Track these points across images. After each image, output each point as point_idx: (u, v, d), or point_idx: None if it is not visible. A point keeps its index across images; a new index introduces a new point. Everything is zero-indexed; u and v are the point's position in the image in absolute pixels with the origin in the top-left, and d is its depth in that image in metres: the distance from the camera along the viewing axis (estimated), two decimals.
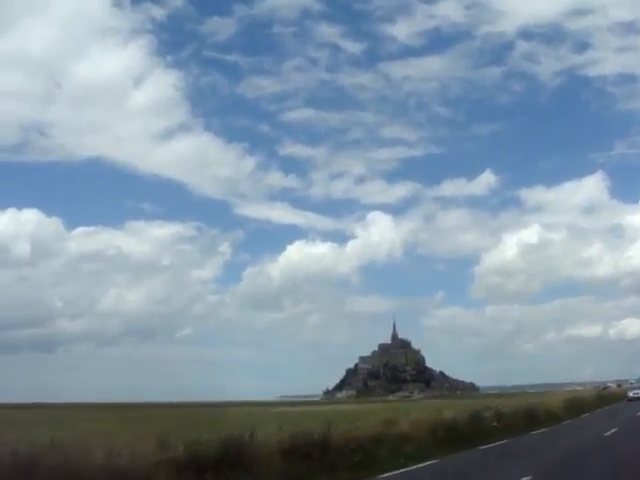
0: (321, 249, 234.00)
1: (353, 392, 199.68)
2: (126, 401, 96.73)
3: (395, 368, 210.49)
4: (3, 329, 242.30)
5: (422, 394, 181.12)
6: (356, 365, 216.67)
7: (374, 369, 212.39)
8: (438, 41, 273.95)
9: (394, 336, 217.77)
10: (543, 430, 24.86)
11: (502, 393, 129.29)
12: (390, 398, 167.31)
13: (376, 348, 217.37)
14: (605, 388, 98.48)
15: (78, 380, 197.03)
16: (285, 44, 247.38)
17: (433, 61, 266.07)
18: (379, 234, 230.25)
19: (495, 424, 20.98)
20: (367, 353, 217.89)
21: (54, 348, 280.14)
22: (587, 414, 34.59)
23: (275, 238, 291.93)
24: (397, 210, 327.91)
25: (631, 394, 54.95)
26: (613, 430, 22.08)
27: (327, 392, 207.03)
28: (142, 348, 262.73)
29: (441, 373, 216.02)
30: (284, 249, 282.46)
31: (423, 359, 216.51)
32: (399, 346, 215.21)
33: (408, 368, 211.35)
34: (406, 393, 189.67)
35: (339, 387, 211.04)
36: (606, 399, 51.77)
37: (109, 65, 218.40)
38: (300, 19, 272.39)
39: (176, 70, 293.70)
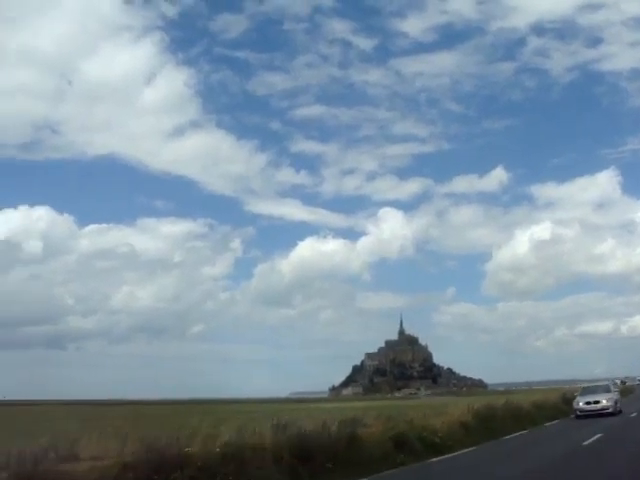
0: (332, 246, 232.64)
1: (359, 389, 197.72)
2: (135, 398, 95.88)
3: (402, 364, 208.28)
4: (15, 326, 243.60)
5: (429, 391, 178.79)
6: (362, 362, 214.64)
7: (381, 365, 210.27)
8: (450, 37, 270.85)
9: (401, 332, 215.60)
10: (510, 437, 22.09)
11: (508, 390, 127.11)
12: (396, 395, 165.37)
13: (383, 344, 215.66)
14: None
15: (88, 377, 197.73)
16: (296, 40, 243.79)
17: (445, 57, 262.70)
18: (390, 230, 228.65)
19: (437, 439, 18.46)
20: (374, 349, 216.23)
21: (65, 345, 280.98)
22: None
23: (286, 235, 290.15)
24: (408, 206, 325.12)
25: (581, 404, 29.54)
26: (596, 437, 19.52)
27: (333, 389, 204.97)
28: (154, 345, 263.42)
29: (449, 370, 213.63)
30: (295, 246, 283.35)
31: (430, 355, 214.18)
32: (406, 342, 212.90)
33: (415, 365, 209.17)
34: (413, 390, 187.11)
35: (345, 384, 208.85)
36: None
37: (120, 62, 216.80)
38: (311, 15, 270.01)
39: (187, 67, 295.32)
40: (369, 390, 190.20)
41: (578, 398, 29.87)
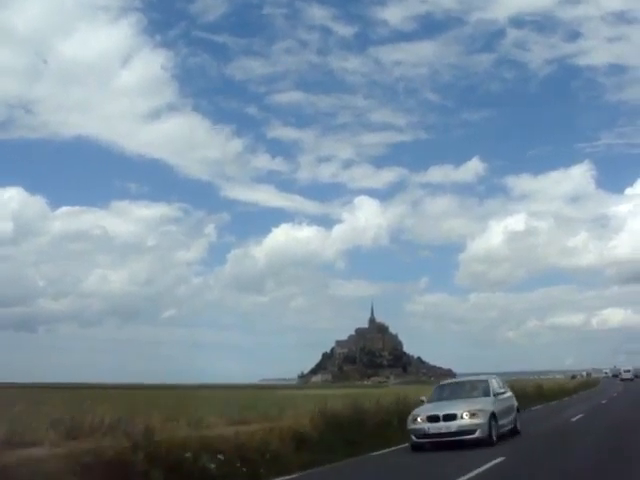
0: (307, 233, 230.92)
1: (328, 376, 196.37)
2: (105, 382, 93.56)
3: (372, 353, 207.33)
4: None
5: (398, 380, 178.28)
6: (332, 349, 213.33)
7: (350, 353, 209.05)
8: (430, 26, 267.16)
9: (372, 320, 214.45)
10: None
11: None
12: (365, 383, 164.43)
13: (353, 332, 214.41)
14: (574, 377, 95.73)
15: (58, 360, 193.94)
16: (275, 26, 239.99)
17: (424, 46, 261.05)
18: (365, 219, 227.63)
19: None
20: (344, 337, 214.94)
21: (36, 328, 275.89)
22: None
23: (261, 221, 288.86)
24: (384, 195, 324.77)
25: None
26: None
27: (302, 376, 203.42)
28: (125, 329, 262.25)
29: (418, 359, 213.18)
30: (269, 232, 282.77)
31: (401, 344, 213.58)
32: (376, 330, 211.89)
33: (385, 353, 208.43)
34: (382, 378, 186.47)
35: (314, 371, 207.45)
36: (565, 391, 48.52)
37: (97, 43, 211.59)
38: (291, 1, 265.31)
39: (165, 50, 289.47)
40: (338, 378, 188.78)
41: (419, 410, 15.21)
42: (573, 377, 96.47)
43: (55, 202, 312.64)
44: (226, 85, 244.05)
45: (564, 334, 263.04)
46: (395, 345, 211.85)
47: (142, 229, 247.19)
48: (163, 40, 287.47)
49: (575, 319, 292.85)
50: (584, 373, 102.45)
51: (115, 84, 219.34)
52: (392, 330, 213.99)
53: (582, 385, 63.37)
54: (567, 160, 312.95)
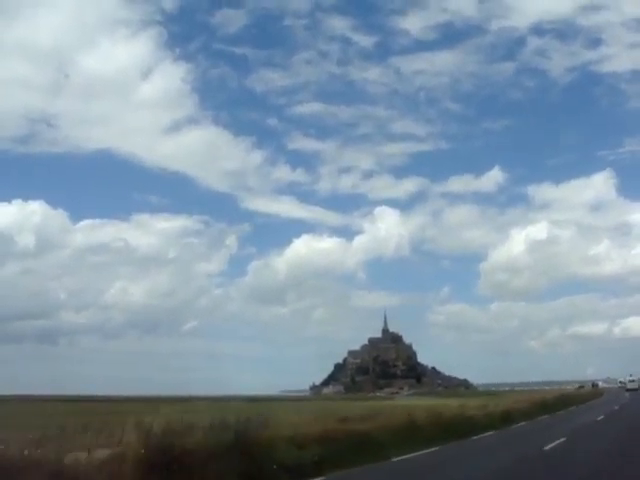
0: (327, 244, 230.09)
1: (340, 388, 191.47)
2: (120, 395, 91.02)
3: (385, 363, 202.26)
4: (7, 320, 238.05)
5: (412, 390, 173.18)
6: (345, 359, 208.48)
7: (363, 364, 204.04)
8: (450, 35, 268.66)
9: (385, 330, 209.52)
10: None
11: (488, 391, 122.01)
12: (377, 395, 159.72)
13: (365, 341, 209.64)
14: (581, 387, 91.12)
15: (80, 372, 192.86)
16: (296, 37, 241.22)
17: (445, 56, 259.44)
18: (386, 229, 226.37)
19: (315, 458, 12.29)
20: (357, 347, 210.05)
21: (57, 340, 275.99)
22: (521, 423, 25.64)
23: (282, 232, 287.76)
24: (404, 205, 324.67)
25: None
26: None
27: (313, 387, 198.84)
28: (146, 341, 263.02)
29: (433, 369, 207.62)
30: (290, 243, 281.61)
31: (415, 354, 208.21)
32: (390, 340, 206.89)
33: (398, 363, 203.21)
34: (395, 389, 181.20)
35: (326, 382, 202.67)
36: (565, 402, 43.80)
37: (118, 57, 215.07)
38: (311, 11, 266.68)
39: (185, 62, 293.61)
40: (350, 389, 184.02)
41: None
42: (580, 387, 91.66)
43: (76, 215, 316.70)
44: (246, 97, 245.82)
45: (586, 343, 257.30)
46: (409, 355, 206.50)
47: (163, 241, 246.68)
48: (183, 53, 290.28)
49: (597, 328, 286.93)
50: (591, 383, 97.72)
51: (136, 97, 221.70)
52: (406, 340, 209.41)
53: (579, 398, 55.02)
54: (589, 168, 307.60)
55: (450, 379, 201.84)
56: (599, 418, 27.43)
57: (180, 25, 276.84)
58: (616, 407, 37.54)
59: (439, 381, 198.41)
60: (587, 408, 40.18)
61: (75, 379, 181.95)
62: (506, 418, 25.73)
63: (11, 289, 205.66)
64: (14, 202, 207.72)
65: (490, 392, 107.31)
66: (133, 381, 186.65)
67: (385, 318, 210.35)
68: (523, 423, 26.10)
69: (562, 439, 17.53)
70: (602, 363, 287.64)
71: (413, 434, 17.13)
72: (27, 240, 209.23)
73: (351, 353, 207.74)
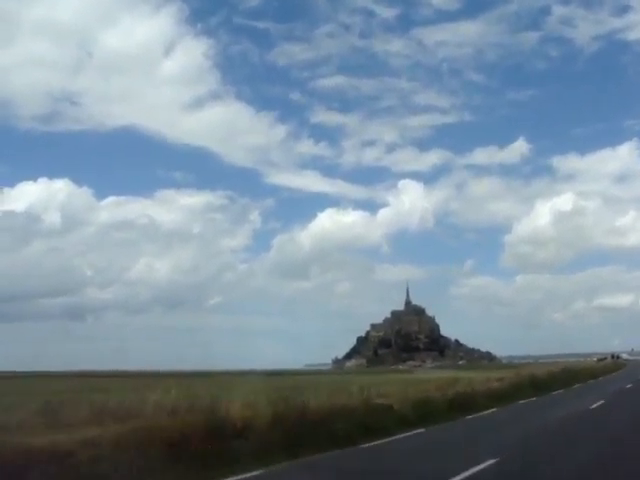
0: (352, 217, 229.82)
1: (363, 361, 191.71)
2: (153, 369, 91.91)
3: (407, 336, 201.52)
4: (34, 297, 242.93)
5: (435, 363, 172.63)
6: (367, 333, 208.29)
7: (386, 336, 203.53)
8: (473, 5, 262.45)
9: (407, 303, 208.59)
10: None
11: (509, 364, 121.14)
12: (400, 368, 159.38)
13: (389, 315, 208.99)
14: (601, 360, 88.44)
15: (107, 348, 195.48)
16: (317, 10, 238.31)
17: (468, 26, 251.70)
18: (410, 202, 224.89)
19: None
20: (380, 321, 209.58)
21: (84, 316, 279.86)
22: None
23: (305, 207, 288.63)
24: (428, 178, 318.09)
25: None
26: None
27: (336, 361, 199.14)
28: (171, 317, 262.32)
29: (456, 341, 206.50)
30: (314, 218, 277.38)
31: (437, 327, 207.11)
32: (412, 313, 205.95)
33: (421, 336, 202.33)
34: (418, 362, 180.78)
35: (349, 355, 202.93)
36: (566, 379, 36.65)
37: (139, 33, 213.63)
38: None
39: (206, 38, 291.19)
40: (373, 362, 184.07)
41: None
42: (600, 360, 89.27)
43: (101, 192, 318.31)
44: (268, 71, 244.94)
45: (612, 315, 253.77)
46: (432, 327, 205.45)
47: (187, 217, 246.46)
48: (205, 28, 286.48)
49: (623, 300, 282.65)
50: (611, 355, 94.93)
51: (158, 74, 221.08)
52: (429, 313, 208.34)
53: (589, 372, 49.03)
54: (615, 138, 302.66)
55: (473, 351, 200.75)
56: (594, 405, 21.23)
57: (201, 0, 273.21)
58: (629, 385, 33.93)
59: (461, 354, 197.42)
60: (594, 385, 36.11)
61: (101, 354, 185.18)
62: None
63: (38, 267, 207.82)
64: (40, 181, 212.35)
65: (505, 365, 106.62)
66: (159, 355, 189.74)
67: (407, 291, 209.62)
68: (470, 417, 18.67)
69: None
70: (628, 335, 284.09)
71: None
72: (53, 218, 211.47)
73: (374, 326, 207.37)
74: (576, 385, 35.87)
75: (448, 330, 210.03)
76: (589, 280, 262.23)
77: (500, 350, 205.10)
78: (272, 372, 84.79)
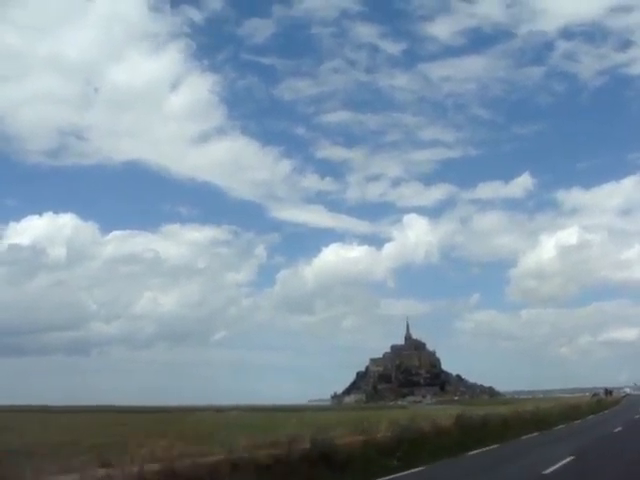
0: (356, 252, 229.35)
1: (362, 396, 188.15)
2: (157, 404, 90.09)
3: (408, 371, 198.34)
4: (39, 331, 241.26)
5: (434, 399, 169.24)
6: (367, 367, 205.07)
7: (386, 371, 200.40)
8: (478, 41, 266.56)
9: (407, 337, 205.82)
10: None
11: (510, 399, 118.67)
12: (399, 403, 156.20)
13: (388, 350, 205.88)
14: (595, 395, 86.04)
15: (111, 383, 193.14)
16: (323, 45, 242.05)
17: (473, 61, 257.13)
18: (415, 237, 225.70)
19: None
20: (380, 355, 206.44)
21: (88, 351, 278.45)
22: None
23: (310, 241, 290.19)
24: (433, 213, 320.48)
25: None
26: None
27: (335, 396, 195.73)
28: (176, 351, 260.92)
29: (457, 376, 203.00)
30: (319, 252, 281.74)
31: (438, 361, 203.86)
32: (413, 347, 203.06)
33: (422, 371, 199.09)
34: (418, 398, 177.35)
35: (348, 391, 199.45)
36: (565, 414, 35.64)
37: (146, 69, 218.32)
38: (339, 19, 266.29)
39: (213, 73, 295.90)
40: (372, 397, 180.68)
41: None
42: (594, 395, 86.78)
43: (107, 227, 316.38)
44: (274, 106, 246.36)
45: (618, 350, 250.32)
46: (432, 362, 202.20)
47: (192, 252, 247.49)
48: (211, 64, 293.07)
49: (629, 334, 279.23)
50: (603, 390, 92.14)
51: (164, 109, 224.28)
52: (429, 347, 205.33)
53: (583, 410, 45.59)
54: (619, 172, 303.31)
55: (475, 387, 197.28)
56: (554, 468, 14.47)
57: (208, 36, 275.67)
58: (617, 429, 27.42)
59: (463, 389, 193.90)
60: (574, 429, 30.17)
61: (105, 390, 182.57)
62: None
63: (43, 301, 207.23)
64: (45, 215, 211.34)
65: (505, 400, 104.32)
66: (162, 391, 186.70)
67: (407, 325, 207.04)
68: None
69: None
70: (635, 369, 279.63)
71: None
72: (58, 252, 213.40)
73: (373, 361, 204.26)
74: (545, 431, 28.08)
75: (451, 365, 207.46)
76: (594, 314, 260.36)
77: (504, 386, 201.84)
78: (277, 408, 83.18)
